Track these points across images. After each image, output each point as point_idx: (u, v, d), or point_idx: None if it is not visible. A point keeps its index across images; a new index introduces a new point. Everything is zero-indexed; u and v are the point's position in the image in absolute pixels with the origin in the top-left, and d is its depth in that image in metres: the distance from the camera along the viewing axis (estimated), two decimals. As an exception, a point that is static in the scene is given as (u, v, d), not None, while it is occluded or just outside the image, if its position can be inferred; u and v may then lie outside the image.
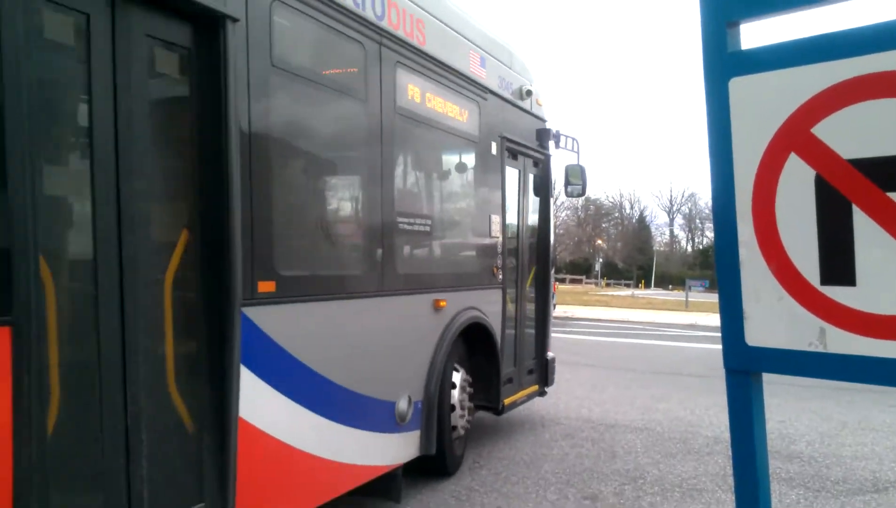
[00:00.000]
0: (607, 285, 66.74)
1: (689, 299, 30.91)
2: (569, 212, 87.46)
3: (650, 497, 4.97)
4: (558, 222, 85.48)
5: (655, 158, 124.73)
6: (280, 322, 3.50)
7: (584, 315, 24.27)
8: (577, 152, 7.47)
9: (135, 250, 2.75)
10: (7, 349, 2.26)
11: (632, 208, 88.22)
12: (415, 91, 4.80)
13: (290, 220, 3.68)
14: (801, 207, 1.63)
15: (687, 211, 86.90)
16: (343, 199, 4.40)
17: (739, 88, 1.72)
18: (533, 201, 6.94)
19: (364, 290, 4.25)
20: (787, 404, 8.10)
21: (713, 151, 1.77)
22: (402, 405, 4.64)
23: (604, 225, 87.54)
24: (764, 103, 1.69)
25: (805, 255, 1.64)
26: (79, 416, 2.63)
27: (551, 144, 7.07)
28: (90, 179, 2.61)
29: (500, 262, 6.04)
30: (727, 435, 6.74)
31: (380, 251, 4.40)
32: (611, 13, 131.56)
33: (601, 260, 72.28)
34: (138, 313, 2.77)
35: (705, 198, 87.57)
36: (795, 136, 1.64)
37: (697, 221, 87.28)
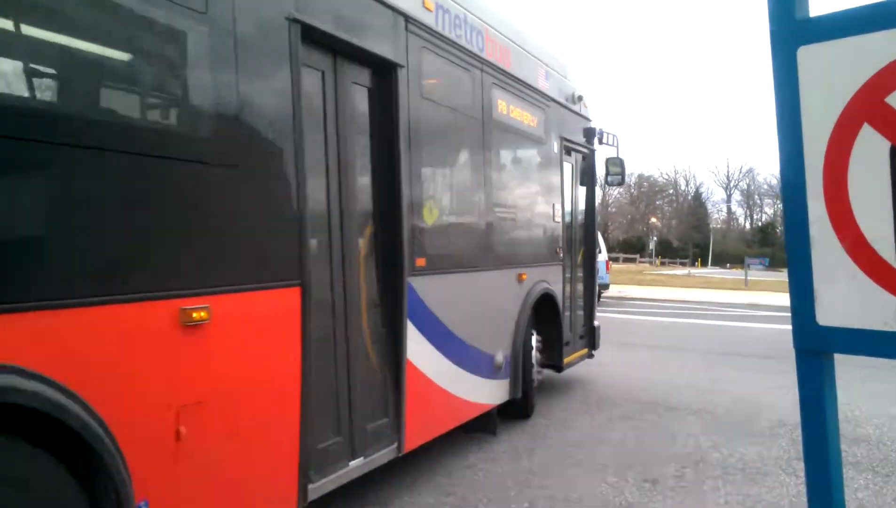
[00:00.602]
0: (662, 263, 65.66)
1: (749, 277, 30.21)
2: (621, 190, 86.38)
3: (712, 481, 4.88)
4: (610, 200, 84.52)
5: (712, 132, 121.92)
6: (427, 288, 4.66)
7: (639, 295, 23.95)
8: (616, 147, 8.69)
9: (345, 238, 3.98)
10: (297, 304, 3.41)
11: (687, 184, 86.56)
12: (503, 105, 5.94)
13: (432, 211, 4.82)
14: (876, 180, 1.56)
15: (745, 187, 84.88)
16: (462, 195, 5.42)
17: (808, 56, 1.64)
18: (581, 190, 8.13)
19: (474, 265, 5.43)
20: (852, 385, 7.85)
21: (781, 125, 1.69)
22: (499, 357, 5.82)
23: (658, 202, 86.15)
24: (835, 72, 1.61)
25: (880, 230, 1.56)
26: (328, 352, 3.85)
27: (595, 140, 8.29)
28: (327, 183, 3.87)
29: (561, 242, 7.24)
30: (791, 418, 6.60)
31: (484, 235, 5.60)
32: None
33: (655, 238, 71.20)
34: (352, 280, 4.04)
35: (764, 173, 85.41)
36: (869, 106, 1.56)
37: (756, 197, 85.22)
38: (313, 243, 3.65)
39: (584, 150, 8.02)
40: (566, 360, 7.32)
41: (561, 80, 7.22)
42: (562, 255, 7.24)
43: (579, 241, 8.02)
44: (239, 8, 3.07)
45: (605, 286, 20.58)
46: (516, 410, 6.35)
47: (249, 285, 3.15)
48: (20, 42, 2.32)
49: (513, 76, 6.10)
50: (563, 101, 7.26)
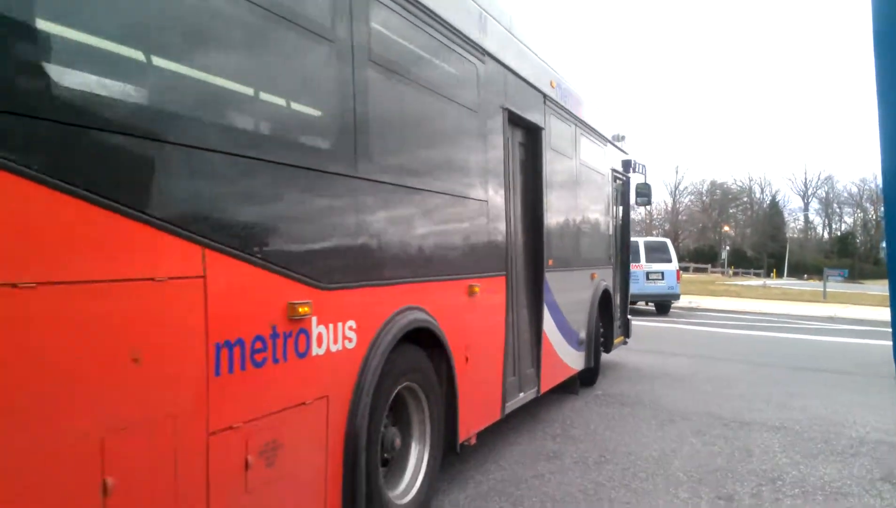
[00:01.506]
0: (735, 274, 63.87)
1: (827, 289, 29.12)
2: (692, 198, 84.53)
3: (790, 500, 4.73)
4: (681, 208, 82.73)
5: (789, 138, 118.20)
6: (552, 281, 6.56)
7: (711, 306, 23.37)
8: (644, 173, 10.92)
9: (519, 245, 6.01)
10: (504, 288, 5.42)
11: (762, 192, 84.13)
12: (585, 148, 7.99)
13: (555, 226, 6.83)
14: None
15: (823, 195, 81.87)
16: (567, 214, 7.29)
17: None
18: (619, 209, 10.21)
19: (572, 265, 7.43)
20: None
21: (885, 127, 1.61)
22: (582, 335, 7.79)
23: (731, 211, 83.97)
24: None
25: None
26: (511, 318, 5.66)
27: (630, 169, 10.44)
28: (512, 210, 5.78)
29: (612, 249, 9.44)
30: (874, 436, 6.35)
31: (576, 243, 7.69)
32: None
33: (728, 248, 69.23)
34: (522, 273, 6.07)
35: (844, 181, 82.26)
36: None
37: (835, 205, 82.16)
38: (510, 249, 5.64)
39: (623, 177, 10.20)
40: (615, 342, 9.55)
41: (609, 125, 9.36)
42: (612, 260, 9.42)
43: (620, 249, 10.10)
44: (484, 103, 5.13)
45: (676, 297, 20.16)
46: (588, 376, 8.36)
47: (492, 273, 5.23)
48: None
49: (590, 127, 8.21)
50: (613, 141, 9.46)
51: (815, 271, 52.79)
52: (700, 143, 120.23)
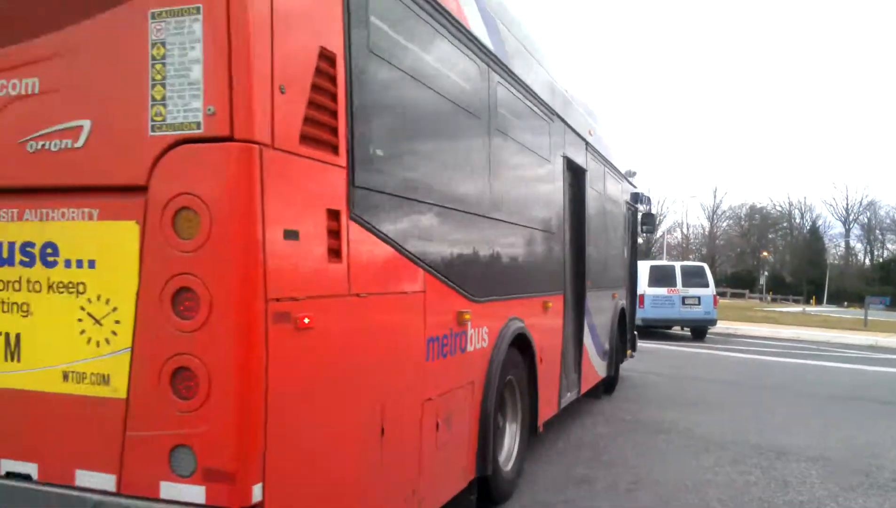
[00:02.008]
0: (773, 300, 62.73)
1: (869, 317, 28.43)
2: (731, 222, 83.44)
3: (828, 533, 4.62)
4: (718, 233, 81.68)
5: (830, 162, 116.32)
6: (589, 298, 7.62)
7: (748, 332, 22.97)
8: (649, 205, 12.80)
9: (570, 269, 7.03)
10: (562, 305, 6.58)
11: (802, 217, 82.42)
12: (610, 185, 9.11)
13: (591, 254, 7.70)
14: None
15: (865, 221, 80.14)
16: (600, 241, 8.37)
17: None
18: (630, 237, 11.26)
19: (601, 287, 8.50)
20: None
21: None
22: (606, 346, 8.91)
23: (770, 236, 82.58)
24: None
25: None
26: (566, 330, 6.81)
27: (637, 200, 11.96)
28: (567, 240, 6.88)
29: (626, 272, 10.73)
30: (918, 469, 6.16)
31: (605, 266, 8.79)
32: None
33: (766, 273, 68.01)
34: (571, 292, 7.12)
35: (886, 207, 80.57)
36: None
37: (878, 232, 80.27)
38: (566, 272, 6.79)
39: (633, 207, 11.48)
40: (627, 354, 10.72)
41: (626, 163, 10.73)
42: (625, 282, 10.61)
43: (630, 272, 11.25)
44: (553, 153, 6.31)
45: (712, 322, 19.86)
46: (609, 384, 9.54)
47: (556, 292, 6.44)
48: None
49: (614, 166, 9.35)
50: (628, 177, 10.85)
51: (856, 299, 51.60)
52: (740, 165, 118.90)
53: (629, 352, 10.92)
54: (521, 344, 5.24)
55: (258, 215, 2.35)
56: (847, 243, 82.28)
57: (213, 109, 2.34)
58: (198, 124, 2.35)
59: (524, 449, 5.42)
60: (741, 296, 60.50)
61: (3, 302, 2.64)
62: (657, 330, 20.66)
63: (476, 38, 4.26)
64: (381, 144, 3.20)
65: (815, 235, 79.30)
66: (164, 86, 2.40)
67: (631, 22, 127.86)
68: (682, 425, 7.78)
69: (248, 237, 2.34)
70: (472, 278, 4.30)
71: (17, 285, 2.63)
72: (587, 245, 7.49)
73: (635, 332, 11.68)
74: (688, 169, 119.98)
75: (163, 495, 2.37)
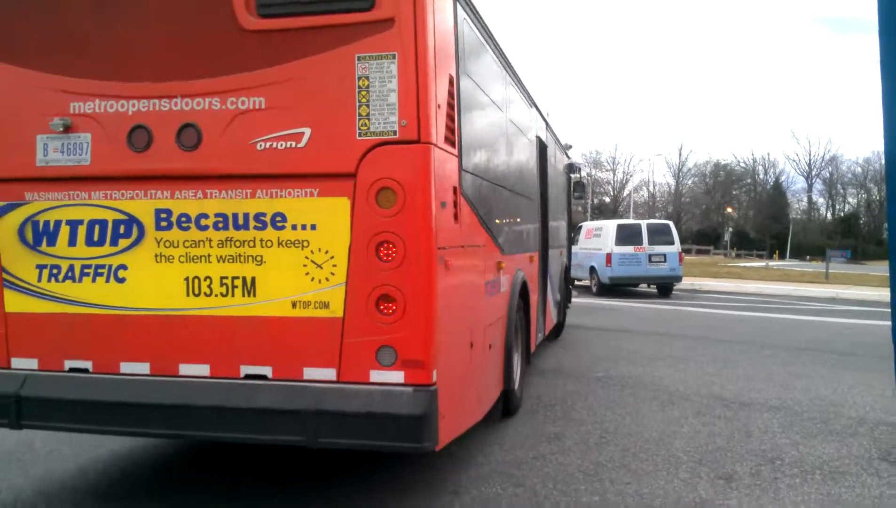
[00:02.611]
0: (737, 255, 63.81)
1: (830, 270, 29.09)
2: (696, 179, 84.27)
3: (789, 479, 4.78)
4: (684, 190, 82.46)
5: (793, 117, 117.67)
6: (549, 257, 9.16)
7: (713, 288, 23.42)
8: (580, 173, 15.19)
9: (543, 231, 8.71)
10: (538, 259, 8.16)
11: (766, 173, 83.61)
12: (557, 159, 10.68)
13: (549, 217, 9.25)
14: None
15: (827, 176, 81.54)
16: (550, 208, 9.46)
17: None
18: (567, 202, 12.91)
19: (553, 246, 9.79)
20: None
21: (889, 107, 1.59)
22: (559, 296, 10.72)
23: (735, 192, 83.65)
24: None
25: None
26: (541, 281, 8.60)
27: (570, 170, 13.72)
28: (541, 206, 8.61)
29: (566, 234, 12.65)
30: (873, 415, 6.40)
31: (557, 231, 10.50)
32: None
33: (731, 229, 69.02)
34: (541, 251, 8.58)
35: (848, 162, 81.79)
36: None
37: (839, 186, 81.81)
38: (540, 235, 8.35)
39: (569, 177, 12.99)
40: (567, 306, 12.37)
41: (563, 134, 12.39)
42: (566, 243, 12.50)
43: (568, 234, 13.21)
44: (533, 138, 7.94)
45: (678, 279, 20.19)
46: (558, 330, 11.16)
47: (535, 249, 7.88)
48: None
49: (558, 140, 10.94)
50: (565, 148, 12.35)
51: (818, 253, 52.66)
52: (705, 122, 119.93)
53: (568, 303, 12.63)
54: (522, 291, 6.54)
55: (432, 191, 3.60)
56: (809, 198, 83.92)
57: (406, 122, 3.54)
58: (394, 132, 3.56)
59: (524, 373, 6.89)
60: (706, 253, 61.44)
61: (241, 255, 3.74)
62: (624, 288, 20.98)
63: (511, 68, 6.31)
64: (469, 139, 4.42)
65: (778, 190, 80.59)
66: (368, 106, 3.57)
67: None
68: (649, 379, 7.95)
69: (427, 206, 3.58)
70: (504, 235, 5.77)
71: (251, 243, 3.72)
72: (548, 209, 9.09)
73: (570, 287, 13.52)
74: (654, 127, 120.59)
75: (372, 379, 3.60)
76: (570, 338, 11.30)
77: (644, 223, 20.68)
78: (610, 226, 20.71)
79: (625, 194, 78.77)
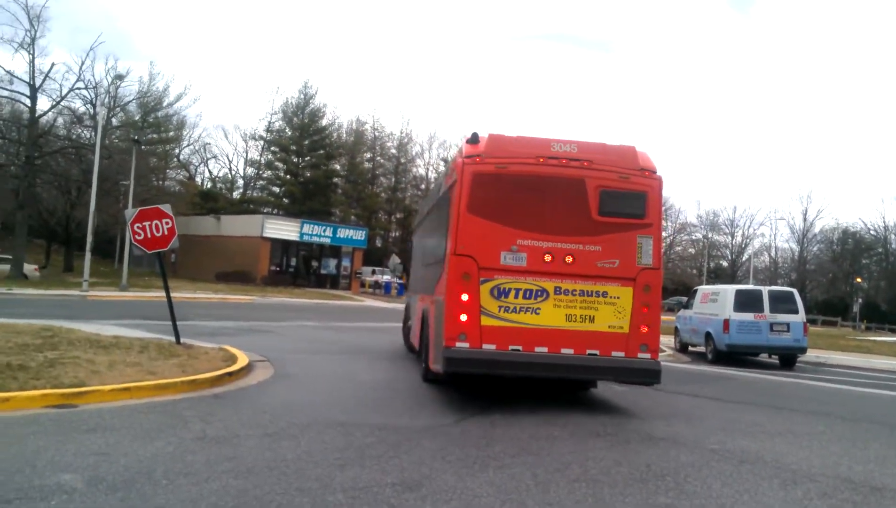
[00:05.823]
0: (867, 328, 59.82)
1: (974, 349, 26.81)
2: (822, 246, 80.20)
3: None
4: (808, 257, 78.55)
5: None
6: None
7: (840, 361, 22.00)
8: None
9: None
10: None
11: (899, 242, 78.37)
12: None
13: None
14: None
15: (969, 247, 75.56)
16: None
17: None
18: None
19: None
20: None
21: None
22: None
23: (864, 261, 78.92)
24: None
25: None
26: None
27: None
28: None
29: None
30: None
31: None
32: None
33: (860, 300, 64.96)
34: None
35: None
36: None
37: (983, 258, 75.56)
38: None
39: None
40: None
41: None
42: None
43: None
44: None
45: (802, 350, 19.14)
46: None
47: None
48: None
49: None
50: None
51: (961, 329, 48.60)
52: (831, 186, 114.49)
53: None
54: None
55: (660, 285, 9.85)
56: (949, 270, 77.73)
57: (653, 263, 9.47)
58: (650, 265, 9.37)
59: None
60: (833, 324, 58.02)
61: (589, 305, 9.23)
62: (743, 357, 20.05)
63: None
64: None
65: (913, 260, 75.22)
66: (640, 252, 9.35)
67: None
68: (770, 455, 7.56)
69: (658, 293, 9.82)
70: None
71: (594, 302, 9.24)
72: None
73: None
74: (776, 189, 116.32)
75: (639, 356, 9.26)
76: (681, 406, 10.93)
77: (766, 290, 19.85)
78: (728, 291, 19.96)
79: (744, 259, 75.95)
